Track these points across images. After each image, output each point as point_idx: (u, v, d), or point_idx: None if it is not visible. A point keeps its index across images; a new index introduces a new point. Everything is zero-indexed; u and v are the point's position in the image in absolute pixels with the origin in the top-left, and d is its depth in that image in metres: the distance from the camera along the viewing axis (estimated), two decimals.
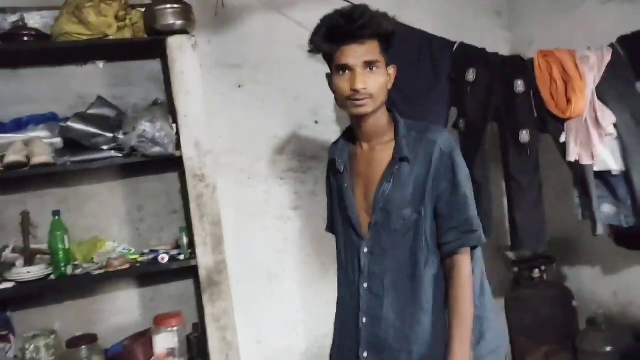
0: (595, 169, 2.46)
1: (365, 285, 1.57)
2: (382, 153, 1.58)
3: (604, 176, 2.49)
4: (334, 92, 1.55)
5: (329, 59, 1.52)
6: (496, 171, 2.82)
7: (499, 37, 3.34)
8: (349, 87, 1.47)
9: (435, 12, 3.15)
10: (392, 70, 1.56)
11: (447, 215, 1.52)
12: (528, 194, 2.62)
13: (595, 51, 2.46)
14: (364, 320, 1.57)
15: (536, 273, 3.06)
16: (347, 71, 1.48)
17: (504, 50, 3.07)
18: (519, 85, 2.55)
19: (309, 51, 1.55)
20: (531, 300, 3.02)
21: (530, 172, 2.61)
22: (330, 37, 1.47)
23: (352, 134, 1.66)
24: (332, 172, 1.72)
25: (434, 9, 3.17)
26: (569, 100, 2.42)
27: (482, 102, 2.61)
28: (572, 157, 2.47)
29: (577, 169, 2.50)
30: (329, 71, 1.57)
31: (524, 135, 2.57)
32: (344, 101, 1.52)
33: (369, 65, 1.47)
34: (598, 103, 2.40)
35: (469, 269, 1.52)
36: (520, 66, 2.58)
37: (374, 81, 1.48)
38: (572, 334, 2.92)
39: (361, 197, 1.60)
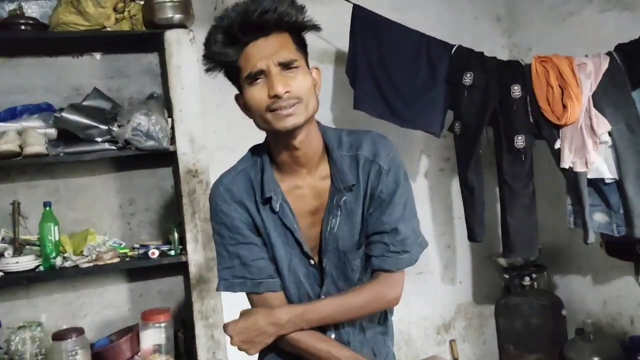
0: (589, 176, 2.47)
1: (333, 336, 1.32)
2: (321, 180, 1.28)
3: (597, 184, 2.50)
4: (250, 110, 1.20)
5: (234, 73, 1.20)
6: (490, 176, 2.82)
7: (498, 42, 3.36)
8: (266, 95, 1.15)
9: (435, 15, 3.16)
10: (316, 73, 1.25)
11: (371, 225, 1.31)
12: (521, 200, 2.62)
13: (592, 58, 2.47)
14: None
15: (527, 281, 3.07)
16: (259, 78, 1.16)
17: (503, 56, 3.09)
18: (516, 90, 2.56)
19: (207, 70, 1.22)
20: (521, 308, 3.02)
21: (524, 178, 2.62)
22: (228, 41, 1.16)
23: (263, 159, 1.29)
24: (250, 211, 1.28)
25: (434, 12, 3.18)
26: (564, 107, 2.43)
27: (478, 106, 2.61)
28: (566, 164, 2.47)
29: (571, 176, 2.51)
30: (237, 91, 1.24)
31: (519, 141, 2.57)
32: (263, 116, 1.17)
33: (286, 65, 1.16)
34: (594, 111, 2.41)
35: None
36: (517, 71, 2.60)
37: (298, 82, 1.16)
38: (561, 343, 2.92)
39: (308, 239, 1.30)
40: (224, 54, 1.17)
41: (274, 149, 1.27)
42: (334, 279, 1.31)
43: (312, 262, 1.29)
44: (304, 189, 1.28)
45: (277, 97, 1.14)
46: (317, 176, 1.28)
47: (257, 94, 1.16)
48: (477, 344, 3.42)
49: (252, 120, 1.23)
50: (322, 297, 1.30)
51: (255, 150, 1.33)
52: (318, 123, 1.29)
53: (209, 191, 1.35)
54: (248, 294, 1.32)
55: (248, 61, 1.16)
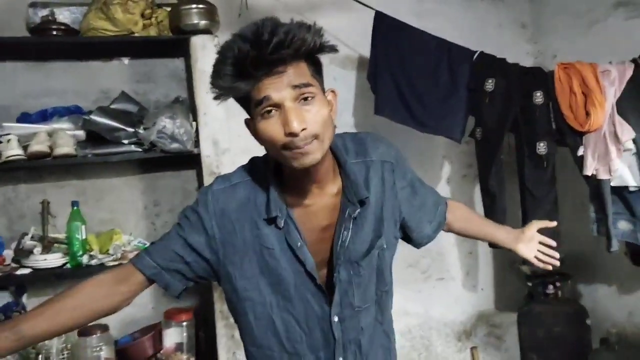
0: (613, 184, 2.44)
1: (341, 359, 1.25)
2: (332, 193, 1.23)
3: (621, 192, 2.46)
4: (263, 142, 1.13)
5: (245, 101, 1.11)
6: (511, 183, 2.80)
7: (523, 49, 3.35)
8: (282, 132, 1.06)
9: (459, 22, 3.16)
10: (331, 96, 1.18)
11: (420, 219, 1.39)
12: (542, 207, 2.60)
13: (617, 65, 2.44)
14: None
15: (550, 289, 3.03)
16: (273, 111, 1.07)
17: (528, 63, 3.07)
18: (538, 97, 2.54)
19: (215, 98, 1.10)
20: (544, 316, 2.99)
21: (546, 185, 2.60)
22: (240, 73, 1.05)
23: (267, 176, 1.21)
24: (247, 226, 1.21)
25: (457, 19, 3.19)
26: (588, 114, 2.41)
27: (500, 112, 2.60)
28: (589, 171, 2.45)
29: (594, 183, 2.48)
30: (247, 116, 1.16)
31: (541, 147, 2.55)
32: (278, 153, 1.10)
33: (301, 94, 1.07)
34: (617, 118, 2.38)
35: None
36: (539, 77, 2.58)
37: (314, 115, 1.08)
38: (585, 353, 2.88)
39: (317, 256, 1.23)
40: (235, 89, 1.07)
41: (284, 168, 1.18)
42: (348, 296, 1.24)
43: (317, 282, 1.21)
44: (313, 207, 1.22)
45: (293, 134, 1.06)
46: (327, 192, 1.23)
47: (271, 128, 1.08)
48: (499, 352, 3.39)
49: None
50: (334, 317, 1.23)
51: (254, 165, 1.26)
52: None
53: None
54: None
55: (261, 92, 1.07)
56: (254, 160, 1.28)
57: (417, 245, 1.47)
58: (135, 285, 1.24)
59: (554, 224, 1.60)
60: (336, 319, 1.23)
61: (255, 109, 1.09)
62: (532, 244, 1.56)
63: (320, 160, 1.11)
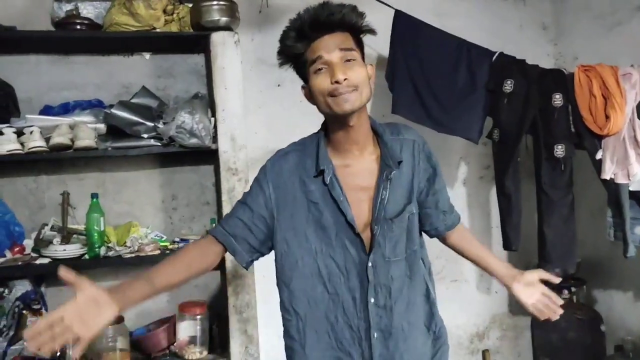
0: (631, 188, 2.42)
1: (372, 300, 1.45)
2: (371, 158, 1.47)
3: (639, 197, 2.44)
4: (315, 97, 1.40)
5: (302, 65, 1.41)
6: (528, 185, 2.79)
7: (544, 50, 3.32)
8: (328, 82, 1.34)
9: (479, 23, 3.15)
10: (370, 69, 1.43)
11: (436, 201, 1.57)
12: (559, 210, 2.58)
13: (638, 68, 2.42)
14: (375, 335, 1.46)
15: (565, 294, 3.00)
16: (323, 68, 1.36)
17: (548, 64, 3.05)
18: (557, 99, 2.53)
19: (280, 64, 1.44)
20: (558, 321, 2.85)
21: (563, 188, 2.58)
22: (299, 37, 1.38)
23: (319, 139, 1.48)
24: (297, 185, 1.46)
25: (478, 19, 3.17)
26: (607, 117, 2.39)
27: (518, 113, 2.59)
28: (607, 175, 2.43)
29: (612, 187, 2.46)
30: (303, 84, 1.45)
31: (559, 150, 2.54)
32: (325, 100, 1.37)
33: (346, 55, 1.35)
34: (638, 122, 2.37)
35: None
36: (559, 79, 2.56)
37: (355, 72, 1.35)
38: (599, 359, 2.85)
39: (356, 211, 1.45)
40: (294, 47, 1.38)
41: (331, 128, 1.45)
42: (381, 247, 1.44)
43: (356, 230, 1.43)
44: (354, 167, 1.45)
45: (337, 82, 1.32)
46: (367, 156, 1.46)
47: (321, 81, 1.35)
48: (512, 355, 3.37)
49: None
50: (370, 264, 1.43)
51: (306, 138, 1.53)
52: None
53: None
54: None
55: (314, 53, 1.36)
56: (310, 135, 1.53)
57: (422, 229, 1.61)
58: (215, 253, 1.48)
59: (558, 280, 1.59)
60: (370, 264, 1.44)
61: (309, 67, 1.37)
62: (532, 290, 1.54)
63: (357, 110, 1.37)
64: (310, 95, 1.42)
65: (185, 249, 1.48)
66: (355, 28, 1.39)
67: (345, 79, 1.33)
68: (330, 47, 1.35)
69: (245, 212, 1.47)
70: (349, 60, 1.35)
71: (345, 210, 1.42)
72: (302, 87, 1.46)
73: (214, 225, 2.51)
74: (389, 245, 1.46)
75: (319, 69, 1.36)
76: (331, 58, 1.35)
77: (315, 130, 1.52)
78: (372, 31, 1.43)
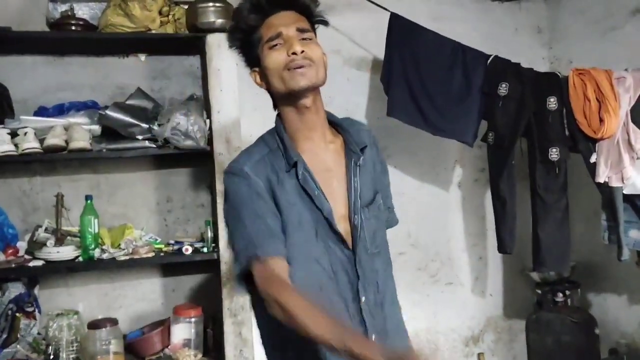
0: (625, 192, 2.43)
1: (364, 298, 1.36)
2: (334, 147, 1.41)
3: (633, 200, 2.45)
4: (269, 75, 1.33)
5: (254, 44, 1.35)
6: (523, 188, 2.79)
7: (539, 54, 3.34)
8: (285, 55, 1.30)
9: (474, 26, 3.16)
10: (326, 58, 1.38)
11: (385, 197, 1.53)
12: (553, 213, 2.59)
13: (632, 72, 2.44)
14: (373, 337, 1.36)
15: (560, 297, 3.00)
16: (278, 44, 1.32)
17: (543, 68, 3.06)
18: (552, 102, 2.54)
19: (230, 45, 1.40)
20: (552, 324, 2.96)
21: (557, 191, 2.59)
22: (254, 10, 1.34)
23: (278, 132, 1.38)
24: (267, 186, 1.34)
25: (473, 23, 3.18)
26: (601, 120, 2.41)
27: (513, 117, 2.60)
28: (601, 178, 2.44)
29: (606, 191, 2.47)
30: (250, 69, 1.40)
31: (553, 153, 2.55)
32: (281, 74, 1.31)
33: (303, 34, 1.33)
34: (632, 125, 2.38)
35: None
36: (553, 83, 2.58)
37: (312, 49, 1.32)
38: None
39: (331, 203, 1.36)
40: (249, 18, 1.34)
41: (286, 117, 1.37)
42: (362, 239, 1.37)
43: (333, 226, 1.34)
44: (320, 156, 1.38)
45: (294, 54, 1.29)
46: (329, 144, 1.40)
47: (277, 54, 1.31)
48: (507, 358, 3.37)
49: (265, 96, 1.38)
50: (356, 259, 1.36)
51: (266, 134, 1.43)
52: None
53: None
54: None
55: (270, 28, 1.33)
56: (261, 137, 1.44)
57: None
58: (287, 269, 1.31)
59: None
60: (356, 259, 1.37)
61: (264, 45, 1.33)
62: None
63: (313, 88, 1.32)
64: (261, 77, 1.37)
65: (299, 299, 1.22)
66: (309, 12, 1.38)
67: (302, 51, 1.30)
68: (287, 22, 1.33)
69: (269, 216, 1.31)
70: (305, 39, 1.33)
71: (321, 204, 1.33)
72: (252, 72, 1.39)
73: (209, 226, 2.51)
74: (369, 236, 1.39)
75: (274, 45, 1.32)
76: (288, 32, 1.32)
77: None
78: (325, 22, 1.41)
